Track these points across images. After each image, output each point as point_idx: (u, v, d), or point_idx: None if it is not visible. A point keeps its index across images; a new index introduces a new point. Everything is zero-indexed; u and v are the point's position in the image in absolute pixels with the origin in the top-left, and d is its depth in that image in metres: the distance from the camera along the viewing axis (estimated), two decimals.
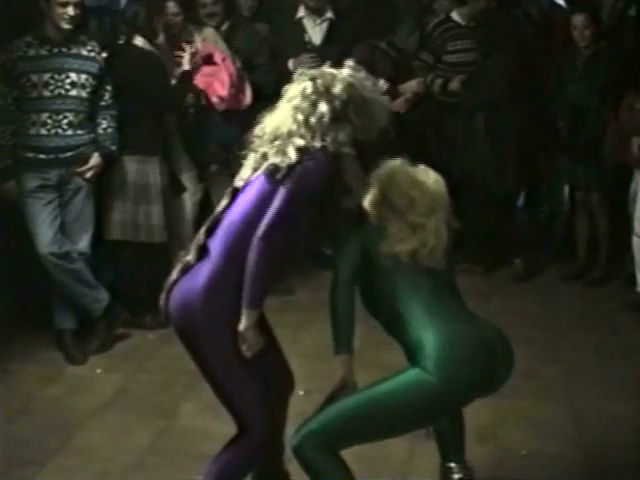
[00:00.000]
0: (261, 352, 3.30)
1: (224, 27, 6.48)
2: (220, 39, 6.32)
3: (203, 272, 3.25)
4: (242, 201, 3.28)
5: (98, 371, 5.31)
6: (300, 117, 3.25)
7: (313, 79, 3.30)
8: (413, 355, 3.23)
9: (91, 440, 4.49)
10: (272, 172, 3.20)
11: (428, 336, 3.19)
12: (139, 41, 5.70)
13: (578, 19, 6.51)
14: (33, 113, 5.24)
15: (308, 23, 6.82)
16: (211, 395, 3.43)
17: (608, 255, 6.82)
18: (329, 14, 6.83)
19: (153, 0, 6.16)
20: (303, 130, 3.23)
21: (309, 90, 3.27)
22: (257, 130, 3.35)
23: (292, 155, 3.19)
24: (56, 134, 5.27)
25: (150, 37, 5.76)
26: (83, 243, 5.45)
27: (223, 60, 6.08)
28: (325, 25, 6.81)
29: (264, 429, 3.33)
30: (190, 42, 6.12)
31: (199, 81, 6.00)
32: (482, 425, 4.49)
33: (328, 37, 6.79)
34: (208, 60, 6.04)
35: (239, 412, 3.35)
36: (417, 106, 6.88)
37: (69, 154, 5.32)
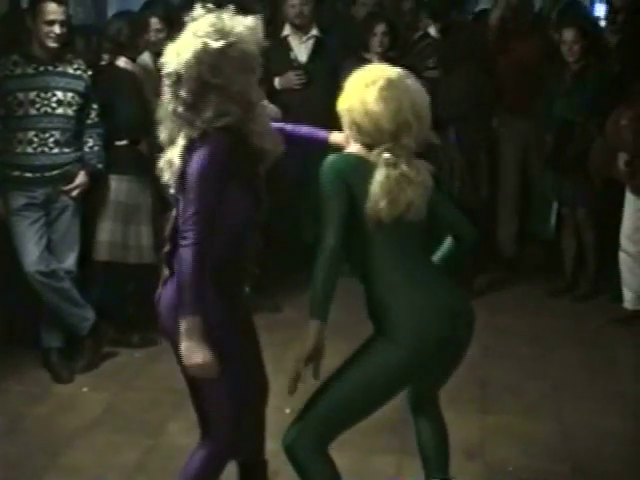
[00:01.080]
0: (249, 366, 3.35)
1: None
2: None
3: (174, 282, 3.23)
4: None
5: (84, 390, 5.28)
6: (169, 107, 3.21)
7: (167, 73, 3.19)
8: (379, 318, 3.24)
9: (78, 459, 4.47)
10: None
11: (400, 306, 3.19)
12: (121, 61, 5.72)
13: (568, 34, 6.52)
14: (19, 131, 5.24)
15: (294, 41, 6.84)
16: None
17: (595, 271, 6.84)
18: (314, 31, 6.86)
19: (136, 16, 6.20)
20: (174, 119, 3.20)
21: (167, 83, 3.19)
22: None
23: (176, 160, 3.19)
24: (42, 152, 5.27)
25: (133, 55, 5.77)
26: (69, 261, 5.43)
27: None
28: (311, 42, 6.84)
29: (232, 441, 3.35)
30: None
31: None
32: (469, 441, 4.50)
33: (314, 54, 6.82)
34: None
35: (212, 418, 3.34)
36: None
37: (55, 172, 5.32)
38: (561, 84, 6.65)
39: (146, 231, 5.75)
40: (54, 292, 5.32)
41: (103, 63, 5.78)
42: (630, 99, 5.97)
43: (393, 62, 5.34)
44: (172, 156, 3.23)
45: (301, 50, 6.83)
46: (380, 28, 6.74)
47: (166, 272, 3.34)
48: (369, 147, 3.24)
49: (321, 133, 3.58)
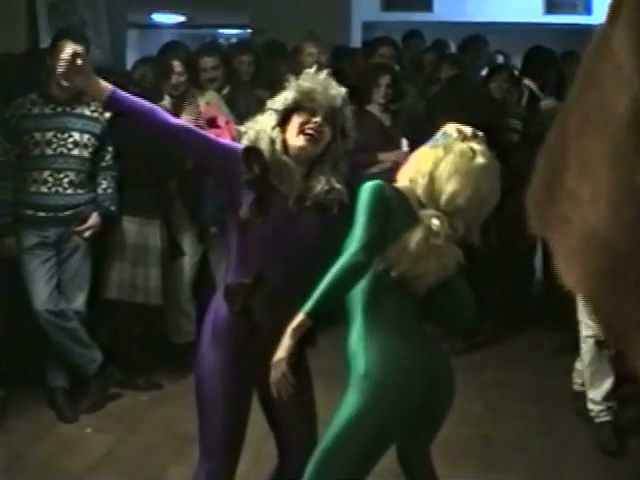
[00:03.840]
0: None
1: (225, 91, 6.57)
2: (223, 103, 6.40)
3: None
4: None
5: (88, 430, 5.28)
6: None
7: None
8: (350, 362, 3.17)
9: None
10: None
11: (369, 353, 3.11)
12: None
13: None
14: (35, 171, 5.28)
15: None
16: None
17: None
18: None
19: (161, 61, 6.25)
20: None
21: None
22: None
23: None
24: (56, 192, 5.31)
25: (155, 99, 5.81)
26: (79, 302, 5.45)
27: (226, 123, 6.13)
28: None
29: (221, 465, 3.39)
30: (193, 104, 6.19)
31: None
32: None
33: None
34: (211, 123, 6.09)
35: (207, 440, 3.39)
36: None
37: (68, 213, 5.36)
38: None
39: (154, 273, 5.77)
40: (62, 332, 5.33)
41: None
42: None
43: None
44: None
45: None
46: (385, 80, 6.72)
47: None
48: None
49: None
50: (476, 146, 3.21)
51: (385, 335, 3.16)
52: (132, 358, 5.83)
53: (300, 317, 2.94)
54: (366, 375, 3.10)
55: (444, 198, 3.14)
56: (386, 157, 6.48)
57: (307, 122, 3.30)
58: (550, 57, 7.72)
